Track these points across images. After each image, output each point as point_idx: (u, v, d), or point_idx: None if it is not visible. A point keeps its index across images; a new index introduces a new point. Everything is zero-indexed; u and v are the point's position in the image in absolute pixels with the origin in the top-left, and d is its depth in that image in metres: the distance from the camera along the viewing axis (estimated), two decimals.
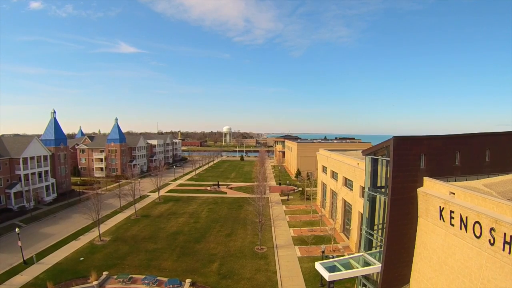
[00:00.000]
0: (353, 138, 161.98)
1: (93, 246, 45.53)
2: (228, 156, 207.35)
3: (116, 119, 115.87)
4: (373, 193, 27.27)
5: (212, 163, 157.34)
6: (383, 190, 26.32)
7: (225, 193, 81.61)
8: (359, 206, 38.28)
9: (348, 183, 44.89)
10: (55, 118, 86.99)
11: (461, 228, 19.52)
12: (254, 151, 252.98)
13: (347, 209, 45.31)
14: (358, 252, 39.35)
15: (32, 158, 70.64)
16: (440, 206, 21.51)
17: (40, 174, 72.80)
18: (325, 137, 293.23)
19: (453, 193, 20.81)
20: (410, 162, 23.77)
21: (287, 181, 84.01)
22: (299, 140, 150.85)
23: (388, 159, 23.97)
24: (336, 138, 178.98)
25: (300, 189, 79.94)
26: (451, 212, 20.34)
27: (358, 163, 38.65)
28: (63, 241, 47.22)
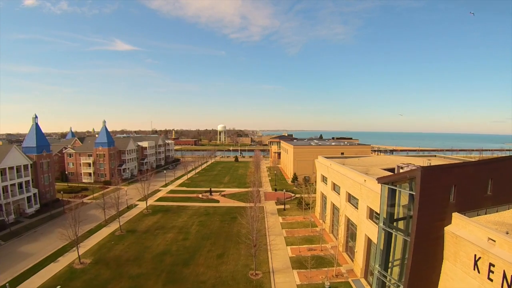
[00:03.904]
0: (351, 138, 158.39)
1: (72, 270, 41.33)
2: (222, 157, 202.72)
3: (104, 121, 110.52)
4: (389, 230, 22.91)
5: (205, 165, 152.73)
6: (401, 225, 22.13)
7: (218, 201, 77.18)
8: (366, 228, 34.24)
9: (352, 200, 40.73)
10: (37, 124, 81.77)
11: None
12: (249, 150, 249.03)
13: (351, 228, 41.15)
14: (364, 278, 35.51)
15: (11, 168, 66.01)
16: (475, 255, 17.40)
17: (20, 185, 68.11)
18: (321, 135, 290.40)
19: (494, 240, 16.71)
20: (437, 196, 19.68)
21: (284, 190, 79.76)
22: (295, 140, 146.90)
23: (412, 192, 19.72)
24: (332, 138, 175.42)
25: (298, 195, 76.00)
26: (491, 265, 16.31)
27: (365, 180, 34.49)
28: (41, 264, 43.23)
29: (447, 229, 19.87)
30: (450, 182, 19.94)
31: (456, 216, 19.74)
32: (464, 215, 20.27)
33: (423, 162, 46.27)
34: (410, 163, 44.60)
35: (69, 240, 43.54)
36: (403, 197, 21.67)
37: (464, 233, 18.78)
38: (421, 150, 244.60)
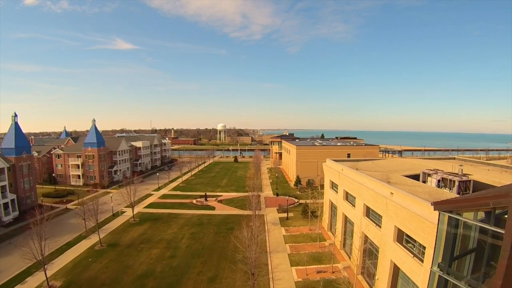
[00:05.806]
0: (355, 138, 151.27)
1: None
2: (221, 157, 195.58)
3: (94, 120, 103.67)
4: (448, 278, 15.76)
5: (203, 165, 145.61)
6: (464, 271, 15.09)
7: (213, 208, 69.99)
8: (392, 253, 27.20)
9: (372, 215, 33.55)
10: (16, 123, 75.03)
11: None
12: (249, 150, 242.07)
13: (371, 250, 33.90)
14: None
15: None
16: None
17: None
18: (322, 134, 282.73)
19: None
20: None
21: (287, 196, 72.76)
22: (297, 140, 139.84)
23: (499, 230, 12.72)
24: (336, 138, 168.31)
25: (302, 201, 69.11)
26: None
27: (392, 193, 27.42)
28: (6, 285, 37.35)
29: None
30: None
31: None
32: None
33: (452, 167, 39.28)
34: (438, 169, 37.61)
35: (34, 260, 36.92)
36: (468, 233, 14.64)
37: None
38: (425, 150, 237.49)
